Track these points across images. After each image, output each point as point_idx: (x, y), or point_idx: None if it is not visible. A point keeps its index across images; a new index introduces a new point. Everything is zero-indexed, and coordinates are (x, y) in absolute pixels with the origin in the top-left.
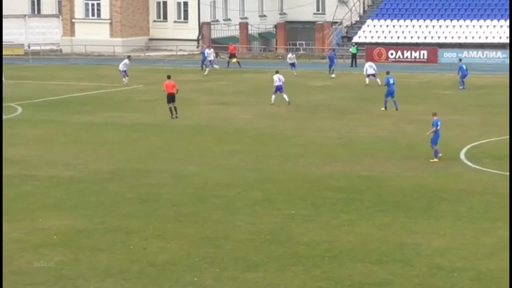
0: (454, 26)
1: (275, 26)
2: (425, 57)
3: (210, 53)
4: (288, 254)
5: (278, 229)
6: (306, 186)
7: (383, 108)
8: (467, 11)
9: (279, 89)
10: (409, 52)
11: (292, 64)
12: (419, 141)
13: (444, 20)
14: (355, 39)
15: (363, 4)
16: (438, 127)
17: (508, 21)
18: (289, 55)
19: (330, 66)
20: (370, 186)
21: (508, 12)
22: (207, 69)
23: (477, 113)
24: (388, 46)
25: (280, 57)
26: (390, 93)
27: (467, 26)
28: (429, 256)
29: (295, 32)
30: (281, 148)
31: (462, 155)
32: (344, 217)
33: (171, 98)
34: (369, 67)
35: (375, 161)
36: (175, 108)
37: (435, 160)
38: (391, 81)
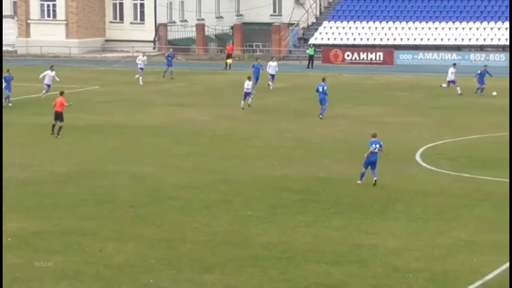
0: (409, 28)
1: (232, 28)
2: (381, 58)
3: (142, 61)
4: (244, 255)
5: (235, 230)
6: (263, 188)
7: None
8: (423, 13)
9: (247, 94)
10: (365, 53)
11: (272, 76)
12: None
13: (400, 22)
14: (312, 40)
15: (320, 6)
16: (376, 149)
17: (462, 23)
18: (271, 62)
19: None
20: (326, 187)
21: (462, 15)
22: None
23: (433, 114)
24: (345, 47)
25: (236, 58)
26: (320, 101)
27: (422, 28)
28: (385, 257)
29: (252, 34)
30: (238, 149)
31: (417, 157)
32: (301, 219)
33: (57, 116)
34: (451, 74)
35: (331, 163)
36: (59, 128)
37: (359, 182)
38: (320, 89)
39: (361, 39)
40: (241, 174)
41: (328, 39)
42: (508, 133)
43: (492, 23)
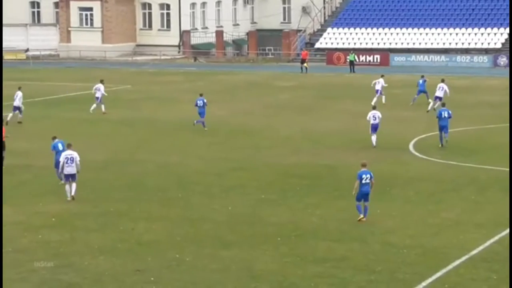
0: (403, 34)
1: (247, 34)
2: (378, 60)
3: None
4: (259, 233)
5: (250, 212)
6: (274, 174)
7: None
8: (415, 20)
9: (374, 128)
10: (364, 56)
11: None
12: None
13: (395, 28)
14: (317, 45)
15: (324, 14)
16: (363, 181)
17: (450, 29)
18: (380, 79)
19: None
20: (330, 173)
21: (450, 22)
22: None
23: (424, 109)
24: (346, 51)
25: (251, 61)
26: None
27: (414, 34)
28: (382, 235)
29: (265, 39)
30: (252, 140)
31: (410, 146)
32: (308, 201)
33: None
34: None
35: (334, 152)
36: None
37: (363, 218)
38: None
39: (361, 43)
40: (255, 162)
41: (332, 43)
42: (492, 125)
43: (476, 29)
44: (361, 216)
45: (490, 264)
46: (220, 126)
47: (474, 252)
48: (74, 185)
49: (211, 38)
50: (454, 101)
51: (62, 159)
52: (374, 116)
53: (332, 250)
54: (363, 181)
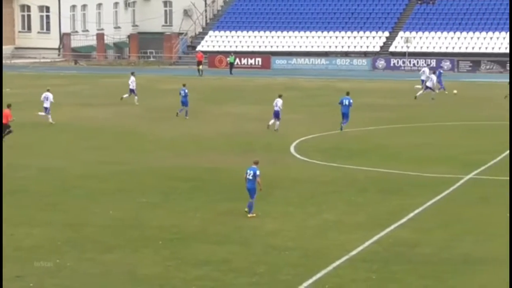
0: (284, 37)
1: (129, 37)
2: (260, 63)
3: None
4: (140, 237)
5: (132, 215)
6: (157, 177)
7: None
8: (296, 23)
9: (274, 114)
10: (246, 59)
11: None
12: (255, 137)
13: (276, 31)
14: (199, 48)
15: (206, 17)
16: (247, 176)
17: (330, 32)
18: (425, 69)
19: None
20: (213, 176)
21: (330, 25)
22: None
23: (305, 112)
24: (228, 53)
25: (132, 63)
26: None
27: (295, 37)
28: (264, 237)
29: (146, 42)
30: (136, 144)
31: (292, 149)
32: (190, 204)
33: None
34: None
35: (218, 155)
36: (8, 132)
37: (253, 215)
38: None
39: (242, 46)
40: (139, 165)
41: (214, 46)
42: (371, 127)
43: (355, 33)
44: (246, 209)
45: (370, 264)
46: (103, 129)
47: (353, 252)
48: None
49: (92, 41)
50: (334, 103)
51: None
52: (276, 103)
53: (213, 253)
54: (247, 176)
